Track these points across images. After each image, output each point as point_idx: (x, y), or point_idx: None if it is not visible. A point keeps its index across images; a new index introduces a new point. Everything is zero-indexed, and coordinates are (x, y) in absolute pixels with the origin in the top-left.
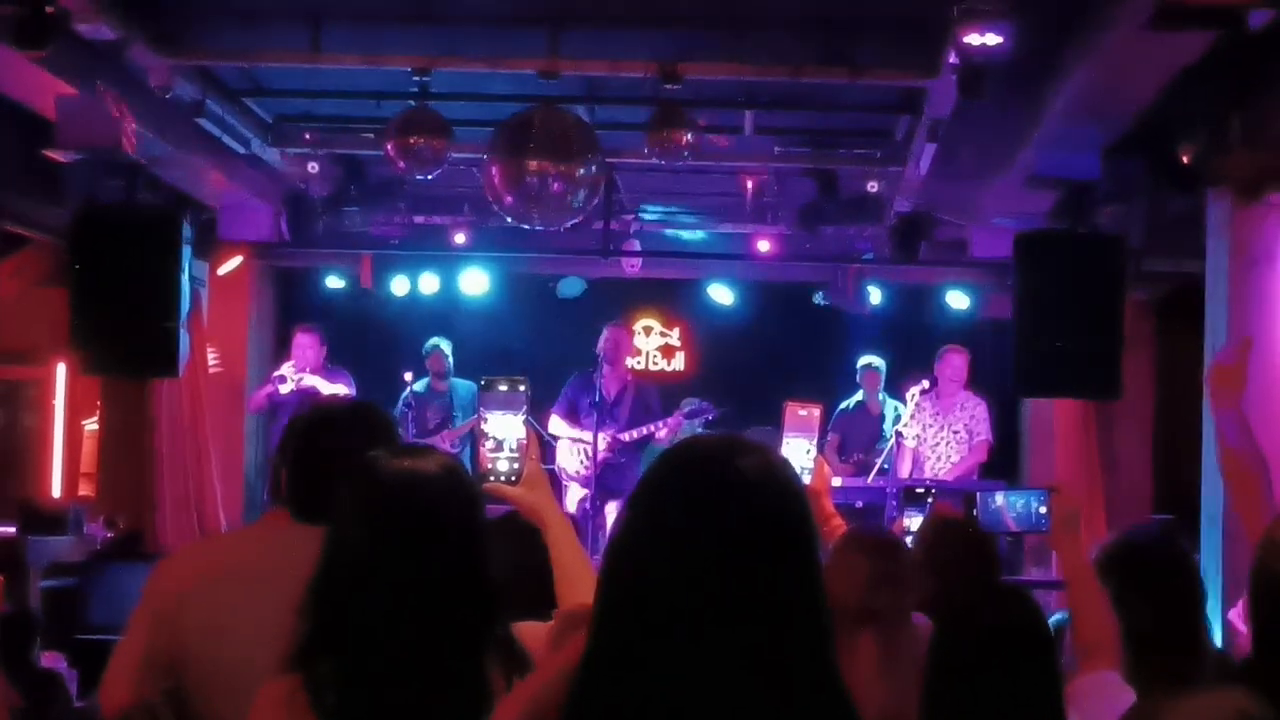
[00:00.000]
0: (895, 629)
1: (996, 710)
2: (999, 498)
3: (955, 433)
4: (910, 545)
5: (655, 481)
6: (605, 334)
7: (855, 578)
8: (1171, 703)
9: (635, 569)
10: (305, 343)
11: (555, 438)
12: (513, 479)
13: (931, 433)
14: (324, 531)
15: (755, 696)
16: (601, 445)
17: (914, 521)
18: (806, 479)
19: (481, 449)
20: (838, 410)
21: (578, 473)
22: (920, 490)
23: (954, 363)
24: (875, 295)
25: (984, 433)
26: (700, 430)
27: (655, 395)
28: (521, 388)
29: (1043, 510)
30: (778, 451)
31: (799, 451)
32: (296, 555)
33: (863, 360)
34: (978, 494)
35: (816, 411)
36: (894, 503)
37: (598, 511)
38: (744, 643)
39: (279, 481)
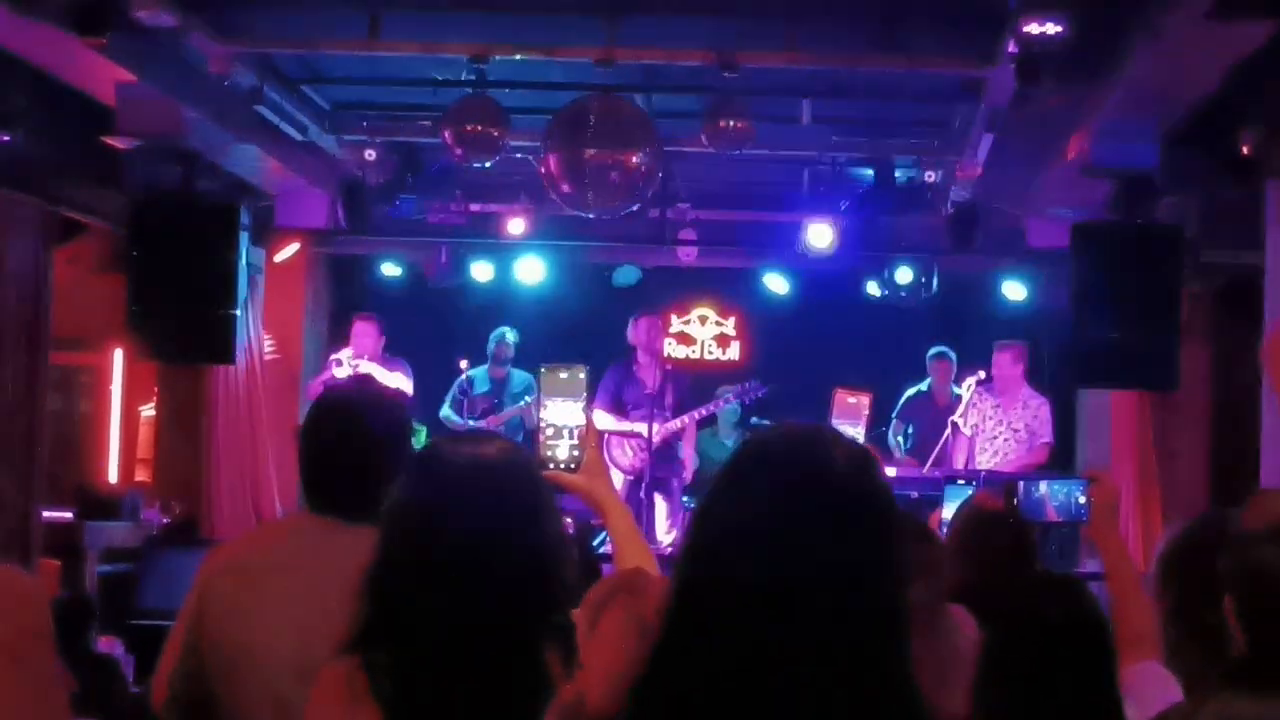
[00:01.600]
0: (932, 620)
1: (1054, 703)
2: (1042, 487)
3: (1015, 430)
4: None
5: (744, 463)
6: (640, 323)
7: None
8: (1202, 704)
9: (717, 548)
10: (364, 331)
11: (600, 431)
12: (572, 466)
13: (990, 425)
14: (338, 522)
15: (826, 689)
16: (654, 435)
17: (951, 511)
18: None
19: (541, 436)
20: (905, 397)
21: (627, 464)
22: (962, 481)
23: (1004, 360)
24: (931, 285)
25: (1046, 435)
26: (736, 406)
27: (687, 386)
28: (581, 375)
29: (1081, 500)
30: (865, 445)
31: None
32: (317, 545)
33: (935, 349)
34: (1020, 482)
35: (866, 399)
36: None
37: (649, 502)
38: (818, 633)
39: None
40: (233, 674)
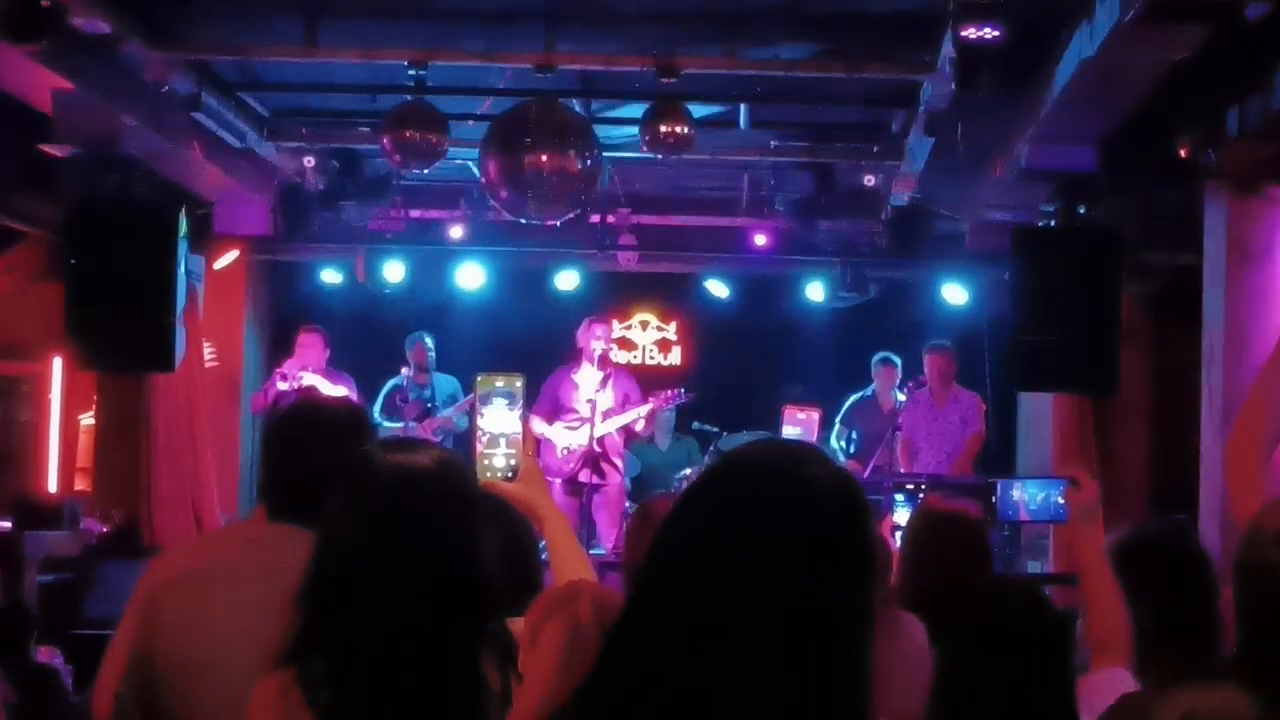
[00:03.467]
0: (879, 623)
1: (1008, 708)
2: (1019, 487)
3: (950, 424)
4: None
5: (715, 482)
6: (586, 328)
7: None
8: (1161, 696)
9: (683, 566)
10: (309, 343)
11: (538, 438)
12: (509, 474)
13: (923, 425)
14: (297, 529)
15: (785, 711)
16: (584, 441)
17: (902, 516)
18: None
19: (478, 445)
20: (849, 403)
21: (556, 469)
22: (911, 485)
23: (935, 363)
24: (871, 289)
25: (975, 424)
26: (671, 413)
27: (634, 384)
28: (518, 384)
29: (1060, 501)
30: (842, 465)
31: None
32: (274, 552)
33: (880, 355)
34: (998, 484)
35: (816, 414)
36: (888, 497)
37: (586, 508)
38: (782, 656)
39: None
40: (188, 686)
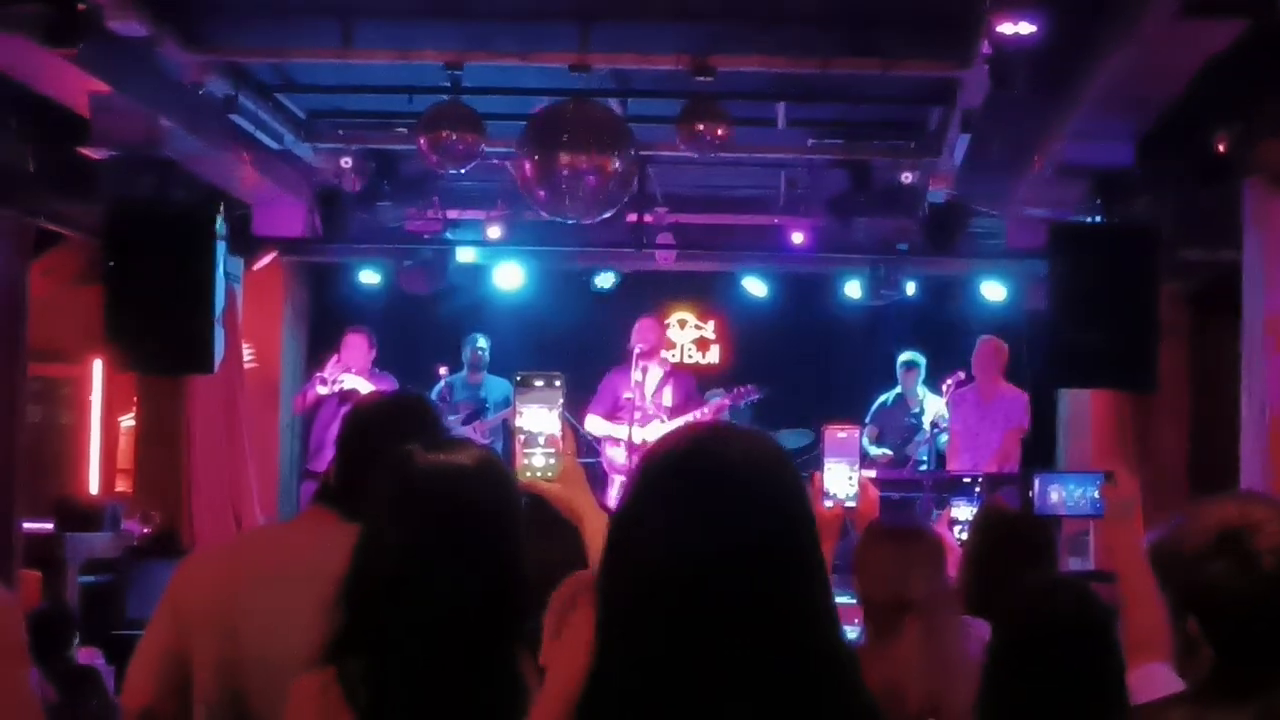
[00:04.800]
0: (937, 618)
1: (1060, 706)
2: (1057, 482)
3: (996, 423)
4: (961, 537)
5: (647, 470)
6: (641, 326)
7: (879, 569)
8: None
9: (630, 558)
10: (354, 344)
11: (593, 436)
12: (548, 474)
13: (973, 423)
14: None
15: (762, 685)
16: (650, 438)
17: (962, 511)
18: (851, 503)
19: (516, 444)
20: (876, 404)
21: (621, 466)
22: (968, 480)
23: (987, 352)
24: (909, 287)
25: (1019, 420)
26: (744, 409)
27: (694, 383)
28: (557, 383)
29: (1097, 496)
30: (772, 438)
31: (841, 476)
32: (345, 552)
33: (903, 356)
34: (1036, 478)
35: (856, 433)
36: (930, 495)
37: None
38: (742, 631)
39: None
40: (273, 687)
